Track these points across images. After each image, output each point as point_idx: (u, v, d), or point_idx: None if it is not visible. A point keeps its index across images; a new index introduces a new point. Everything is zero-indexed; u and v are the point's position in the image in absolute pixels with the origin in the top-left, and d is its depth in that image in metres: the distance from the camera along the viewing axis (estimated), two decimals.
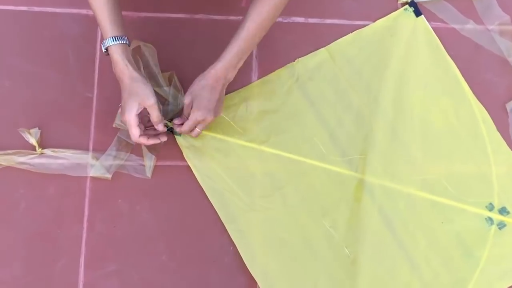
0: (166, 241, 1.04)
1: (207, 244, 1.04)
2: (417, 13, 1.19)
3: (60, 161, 1.04)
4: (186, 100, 0.99)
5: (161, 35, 1.15)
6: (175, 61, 1.13)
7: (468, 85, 1.17)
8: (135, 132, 0.94)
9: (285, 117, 1.10)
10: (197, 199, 1.06)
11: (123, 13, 1.11)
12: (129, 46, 0.96)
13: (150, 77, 1.09)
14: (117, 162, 1.05)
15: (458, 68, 1.17)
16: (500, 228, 1.07)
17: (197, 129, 1.02)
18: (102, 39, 0.94)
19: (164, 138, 0.99)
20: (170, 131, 1.05)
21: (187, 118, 1.00)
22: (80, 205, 1.04)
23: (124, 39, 0.94)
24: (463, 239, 1.06)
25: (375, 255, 1.03)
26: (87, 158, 1.04)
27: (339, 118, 1.11)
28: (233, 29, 1.14)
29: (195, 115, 0.98)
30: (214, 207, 1.04)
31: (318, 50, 1.16)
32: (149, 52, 1.10)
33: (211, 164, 1.06)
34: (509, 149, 1.13)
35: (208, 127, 1.04)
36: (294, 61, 1.15)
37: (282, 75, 1.13)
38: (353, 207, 1.05)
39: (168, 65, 1.12)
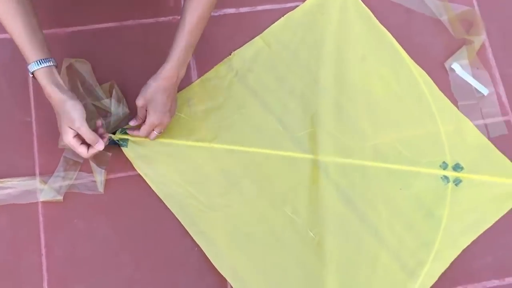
0: (130, 253, 1.02)
1: (171, 249, 1.03)
2: None
3: (7, 191, 1.02)
4: (139, 102, 0.97)
5: (93, 47, 1.13)
6: (113, 70, 1.11)
7: (406, 49, 1.18)
8: (82, 151, 0.93)
9: (231, 111, 1.09)
10: (154, 206, 1.04)
11: (50, 31, 1.11)
12: (55, 66, 0.93)
13: (89, 92, 1.07)
14: (67, 182, 1.03)
15: (393, 35, 1.19)
16: (456, 185, 1.09)
17: (154, 132, 1.01)
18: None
19: (100, 146, 0.95)
20: (116, 144, 1.03)
21: (142, 120, 0.99)
22: (35, 232, 1.01)
23: (48, 61, 0.91)
24: (422, 202, 1.07)
25: (340, 233, 1.04)
26: (35, 183, 1.02)
27: (284, 103, 1.11)
28: (164, 30, 1.15)
29: (151, 119, 0.97)
30: (173, 212, 1.03)
31: (253, 40, 1.15)
32: (83, 68, 1.08)
33: (163, 170, 1.04)
34: (453, 106, 1.15)
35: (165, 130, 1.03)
36: (230, 55, 1.14)
37: (220, 70, 1.12)
38: (311, 189, 1.06)
39: (107, 76, 1.10)
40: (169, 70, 0.95)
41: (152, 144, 1.05)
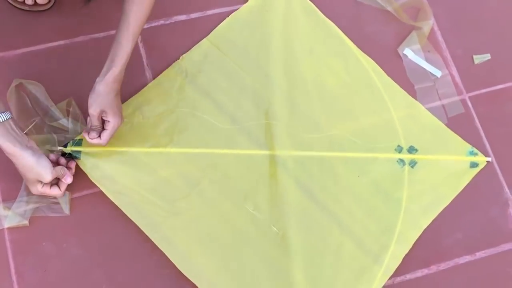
0: (103, 270, 1.01)
1: (144, 261, 1.02)
2: None
3: None
4: (96, 111, 0.96)
5: (46, 67, 1.12)
6: (69, 88, 1.10)
7: (358, 39, 1.20)
8: (57, 192, 0.97)
9: (183, 114, 1.09)
10: (123, 220, 1.03)
11: None
12: (12, 117, 0.90)
13: (44, 113, 1.06)
14: (31, 206, 1.01)
15: (344, 26, 1.21)
16: (412, 167, 1.11)
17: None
18: None
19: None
20: (70, 156, 1.02)
21: (100, 130, 0.98)
22: (4, 259, 0.99)
23: (3, 114, 0.88)
24: (381, 186, 1.09)
25: (302, 225, 1.04)
26: None
27: (237, 101, 1.11)
28: None
29: (114, 123, 0.98)
30: (134, 221, 1.01)
31: (200, 42, 1.15)
32: (36, 89, 1.06)
33: (120, 179, 1.03)
34: (403, 91, 1.16)
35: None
36: (179, 58, 1.13)
37: (170, 74, 1.12)
38: (271, 184, 1.06)
39: (62, 94, 1.09)
40: (119, 74, 0.96)
41: (107, 154, 1.03)
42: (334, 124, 1.11)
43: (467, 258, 1.08)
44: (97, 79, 0.96)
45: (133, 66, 1.06)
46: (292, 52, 1.15)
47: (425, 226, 1.07)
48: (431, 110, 1.16)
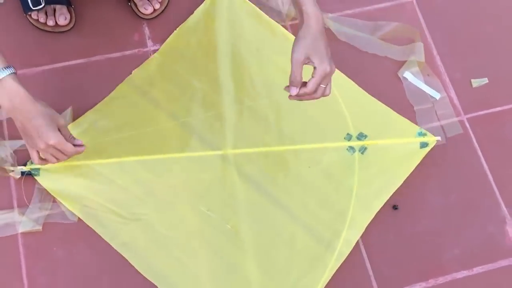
0: (109, 276, 1.05)
1: None
2: None
3: None
4: (300, 57, 0.88)
5: (64, 83, 1.18)
6: (84, 103, 1.16)
7: (361, 62, 1.25)
8: (70, 146, 0.96)
9: (138, 125, 1.13)
10: None
11: (18, 72, 1.15)
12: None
13: None
14: (44, 213, 1.06)
15: (344, 50, 1.26)
16: (362, 153, 1.14)
17: (322, 86, 0.91)
18: None
19: (80, 141, 1.00)
20: (29, 174, 1.07)
21: (300, 82, 0.91)
22: (16, 263, 1.04)
23: (12, 68, 0.90)
24: (332, 175, 1.12)
25: (255, 220, 1.08)
26: (13, 216, 1.05)
27: (187, 108, 1.15)
28: (131, 62, 1.20)
29: (322, 68, 0.88)
30: (93, 228, 1.05)
31: (151, 57, 1.20)
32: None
33: (78, 192, 1.07)
34: (350, 81, 1.20)
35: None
36: (131, 73, 1.19)
37: (123, 90, 1.17)
38: (223, 184, 1.10)
39: (78, 108, 1.15)
40: (316, 11, 0.87)
41: (64, 169, 1.07)
42: (283, 117, 1.15)
43: (464, 273, 1.10)
44: (298, 29, 0.89)
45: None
46: (238, 54, 1.21)
47: (377, 209, 1.10)
48: (430, 130, 1.20)
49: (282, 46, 1.20)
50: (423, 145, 1.16)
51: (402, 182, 1.12)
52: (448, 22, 1.32)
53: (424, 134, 1.16)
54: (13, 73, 0.90)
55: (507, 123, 1.24)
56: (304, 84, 0.92)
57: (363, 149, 1.15)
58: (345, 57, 1.26)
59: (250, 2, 1.26)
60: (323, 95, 0.94)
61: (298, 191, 1.11)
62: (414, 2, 1.34)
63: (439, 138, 1.17)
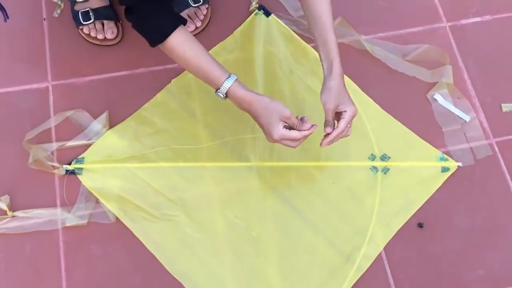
0: (142, 274, 1.10)
1: None
2: (267, 13, 1.33)
3: (33, 220, 1.12)
4: (331, 105, 1.02)
5: (109, 93, 1.26)
6: (126, 112, 1.24)
7: (392, 82, 1.28)
8: (296, 134, 1.01)
9: (174, 133, 1.20)
10: None
11: (68, 81, 1.25)
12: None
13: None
14: (88, 212, 1.13)
15: (376, 72, 1.30)
16: (385, 173, 1.19)
17: (349, 127, 1.05)
18: (217, 88, 1.02)
19: (310, 128, 1.02)
20: (72, 173, 1.15)
21: (332, 122, 1.03)
22: (56, 257, 1.11)
23: (233, 75, 1.02)
24: (355, 192, 1.17)
25: (279, 229, 1.13)
26: (57, 213, 1.13)
27: (221, 120, 1.21)
28: (171, 75, 1.27)
29: (350, 112, 1.03)
30: (127, 226, 1.12)
31: None
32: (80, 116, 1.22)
33: (115, 191, 1.14)
34: (375, 104, 1.26)
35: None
36: (170, 82, 1.26)
37: (162, 97, 1.24)
38: (251, 194, 1.16)
39: (120, 116, 1.23)
40: (339, 67, 1.03)
41: (105, 170, 1.16)
42: (311, 136, 1.16)
43: None
44: (325, 78, 1.03)
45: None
46: (272, 72, 1.27)
47: (397, 228, 1.14)
48: (459, 151, 1.23)
49: (313, 67, 1.27)
50: (444, 169, 1.20)
51: (422, 203, 1.16)
52: (480, 47, 1.35)
53: (446, 159, 1.21)
54: (236, 81, 1.01)
55: None
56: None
57: (385, 170, 1.19)
58: (376, 78, 1.30)
59: (285, 25, 1.32)
60: (346, 135, 1.06)
61: (321, 205, 1.16)
62: (447, 27, 1.37)
63: (460, 164, 1.20)
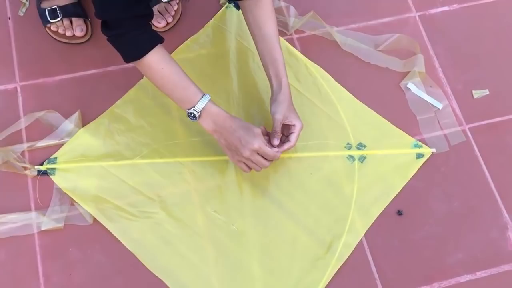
0: (123, 277, 1.08)
1: None
2: (237, 7, 1.33)
3: (7, 225, 1.09)
4: (280, 117, 1.09)
5: (80, 92, 1.23)
6: (99, 111, 1.21)
7: (365, 74, 1.30)
8: (270, 150, 1.07)
9: (149, 129, 1.19)
10: None
11: (38, 81, 1.22)
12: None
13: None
14: (63, 214, 1.10)
15: (349, 63, 1.31)
16: (361, 161, 1.20)
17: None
18: (190, 107, 1.04)
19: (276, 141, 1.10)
20: (45, 173, 1.12)
21: (280, 134, 1.11)
22: (33, 262, 1.07)
23: (207, 95, 1.05)
24: (333, 181, 1.18)
25: (259, 222, 1.13)
26: (32, 216, 1.10)
27: None
28: None
29: (299, 126, 1.11)
30: (105, 225, 1.10)
31: None
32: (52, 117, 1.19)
33: (91, 191, 1.12)
34: (349, 94, 1.27)
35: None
36: (142, 78, 1.24)
37: (134, 94, 1.23)
38: (229, 187, 1.15)
39: (93, 115, 1.20)
40: (287, 84, 1.11)
41: (79, 169, 1.14)
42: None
43: (468, 277, 1.13)
44: (275, 93, 1.11)
45: None
46: (246, 66, 1.27)
47: (376, 215, 1.16)
48: (433, 138, 1.25)
49: (286, 59, 1.25)
50: (419, 155, 1.22)
51: (399, 190, 1.18)
52: (449, 35, 1.37)
53: (420, 146, 1.23)
54: (210, 99, 1.05)
55: (507, 133, 1.28)
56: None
57: (362, 158, 1.20)
58: (349, 69, 1.31)
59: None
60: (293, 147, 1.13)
61: (301, 196, 1.16)
62: (417, 17, 1.39)
63: (434, 150, 1.23)
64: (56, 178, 1.13)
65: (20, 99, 1.21)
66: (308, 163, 1.19)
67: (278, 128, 1.10)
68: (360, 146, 1.21)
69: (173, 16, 1.30)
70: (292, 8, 1.35)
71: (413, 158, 1.21)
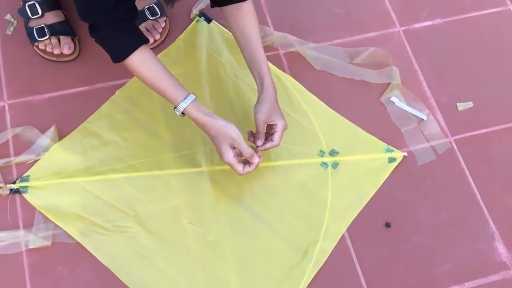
0: None
1: None
2: (208, 20, 1.35)
3: None
4: (262, 117, 1.09)
5: (69, 109, 1.23)
6: None
7: (346, 88, 1.31)
8: (239, 168, 1.07)
9: (124, 144, 1.19)
10: None
11: (26, 99, 1.22)
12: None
13: None
14: (50, 232, 1.10)
15: (336, 81, 1.32)
16: (334, 168, 1.22)
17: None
18: (174, 107, 1.06)
19: (256, 160, 1.08)
20: (17, 192, 1.12)
21: (263, 135, 1.11)
22: (22, 281, 1.07)
23: (191, 95, 1.05)
24: (307, 189, 1.19)
25: (235, 232, 1.14)
26: (19, 235, 1.09)
27: (168, 127, 1.22)
28: None
29: (282, 125, 1.11)
30: (78, 240, 1.09)
31: (132, 79, 1.26)
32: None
33: (65, 208, 1.12)
34: (320, 102, 1.28)
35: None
36: (113, 94, 1.25)
37: (106, 109, 1.23)
38: (203, 199, 1.16)
39: None
40: (271, 83, 1.12)
41: (51, 186, 1.13)
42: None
43: None
44: (259, 93, 1.12)
45: None
46: (218, 78, 1.28)
47: (351, 220, 1.17)
48: (419, 150, 1.26)
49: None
50: (391, 160, 1.24)
51: (373, 194, 1.20)
52: (433, 49, 1.40)
53: (392, 150, 1.25)
54: (193, 101, 1.05)
55: (492, 144, 1.29)
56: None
57: (335, 165, 1.22)
58: (330, 85, 1.32)
59: (227, 30, 1.34)
60: (277, 146, 1.13)
61: (276, 204, 1.17)
62: (401, 31, 1.41)
63: (405, 153, 1.25)
64: (28, 196, 1.12)
65: (8, 117, 1.21)
66: (282, 171, 1.21)
67: (261, 128, 1.10)
68: (333, 152, 1.23)
69: (160, 33, 1.31)
70: (266, 27, 1.36)
71: (385, 163, 1.24)
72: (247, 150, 1.06)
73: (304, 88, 1.30)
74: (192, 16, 1.36)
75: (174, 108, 1.07)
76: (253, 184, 1.19)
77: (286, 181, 1.20)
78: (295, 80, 1.30)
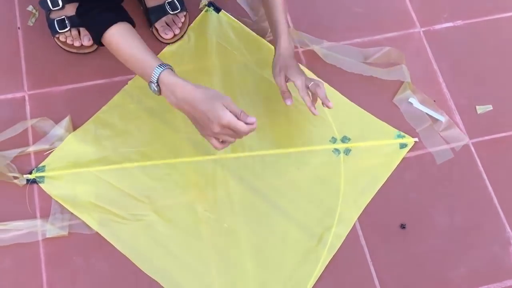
0: (126, 284, 1.08)
1: None
2: (217, 10, 1.35)
3: (12, 233, 1.09)
4: (279, 71, 1.11)
5: (87, 101, 1.24)
6: None
7: (360, 91, 1.30)
8: (242, 125, 0.95)
9: (137, 134, 1.20)
10: None
11: (45, 90, 1.23)
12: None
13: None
14: (66, 222, 1.11)
15: (348, 80, 1.32)
16: (347, 154, 1.23)
17: (323, 90, 1.11)
18: (149, 80, 0.99)
19: (253, 119, 0.96)
20: (34, 182, 1.13)
21: (288, 92, 1.13)
22: (37, 270, 1.08)
23: (166, 65, 0.99)
24: (320, 175, 1.20)
25: (251, 219, 1.15)
26: (36, 224, 1.10)
27: (181, 115, 1.16)
28: None
29: (299, 81, 1.10)
30: (96, 230, 1.10)
31: None
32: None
33: (81, 197, 1.12)
34: (331, 88, 1.28)
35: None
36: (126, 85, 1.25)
37: (119, 99, 1.24)
38: (218, 186, 1.16)
39: None
40: (285, 41, 1.13)
41: (67, 176, 1.14)
42: (271, 124, 1.23)
43: None
44: (276, 49, 1.14)
45: None
46: (228, 68, 1.29)
47: (364, 206, 1.18)
48: (436, 149, 1.25)
49: (268, 58, 1.26)
50: (402, 145, 1.25)
51: (385, 180, 1.21)
52: (453, 51, 1.39)
53: (403, 136, 1.26)
54: (168, 68, 0.98)
55: (510, 148, 1.28)
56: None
57: (347, 151, 1.22)
58: (343, 87, 1.31)
59: (237, 20, 1.34)
60: (328, 106, 1.11)
61: (289, 191, 1.18)
62: (421, 32, 1.40)
63: (416, 139, 1.25)
64: (45, 186, 1.13)
65: (28, 107, 1.22)
66: (294, 158, 1.21)
67: (284, 87, 1.12)
68: (345, 139, 1.24)
69: (180, 28, 1.32)
70: None
71: (397, 149, 1.24)
72: (237, 108, 0.95)
73: (315, 76, 1.29)
74: (201, 6, 1.36)
75: (150, 82, 0.99)
76: (266, 171, 1.19)
77: (299, 168, 1.20)
78: (305, 68, 1.30)
